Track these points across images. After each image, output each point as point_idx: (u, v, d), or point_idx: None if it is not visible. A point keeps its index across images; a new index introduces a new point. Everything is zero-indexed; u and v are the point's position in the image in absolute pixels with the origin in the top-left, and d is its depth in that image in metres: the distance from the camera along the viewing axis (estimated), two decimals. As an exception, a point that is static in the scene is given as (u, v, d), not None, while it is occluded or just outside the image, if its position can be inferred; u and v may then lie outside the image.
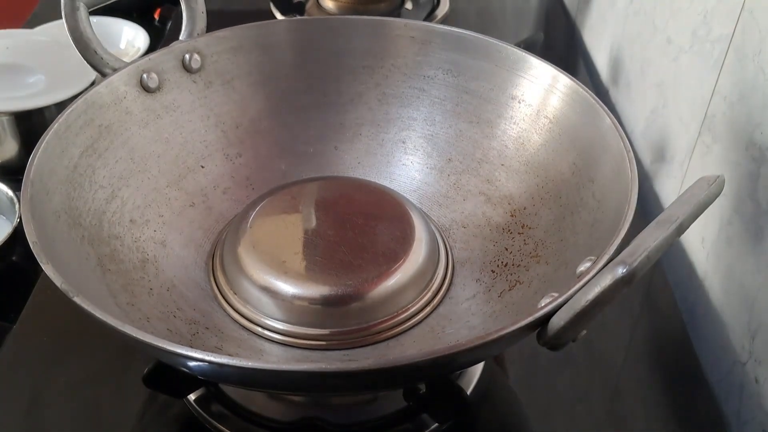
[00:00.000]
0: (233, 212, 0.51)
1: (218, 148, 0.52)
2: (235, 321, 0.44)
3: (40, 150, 0.42)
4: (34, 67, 0.69)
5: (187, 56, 0.50)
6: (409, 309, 0.44)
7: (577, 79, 0.47)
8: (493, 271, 0.47)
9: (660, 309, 0.54)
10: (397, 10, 0.90)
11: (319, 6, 0.90)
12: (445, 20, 0.89)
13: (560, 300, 0.32)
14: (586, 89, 0.46)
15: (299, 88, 0.55)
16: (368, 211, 0.47)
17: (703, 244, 0.53)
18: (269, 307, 0.44)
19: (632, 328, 0.53)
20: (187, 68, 0.50)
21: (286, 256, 0.44)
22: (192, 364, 0.32)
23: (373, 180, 0.53)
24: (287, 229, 0.47)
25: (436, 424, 0.44)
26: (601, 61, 0.80)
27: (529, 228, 0.48)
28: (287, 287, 0.42)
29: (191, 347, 0.31)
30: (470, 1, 0.95)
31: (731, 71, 0.50)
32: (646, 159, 0.65)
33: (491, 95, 0.51)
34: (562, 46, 0.88)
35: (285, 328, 0.43)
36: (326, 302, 0.43)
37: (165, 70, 0.50)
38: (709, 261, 0.53)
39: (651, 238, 0.31)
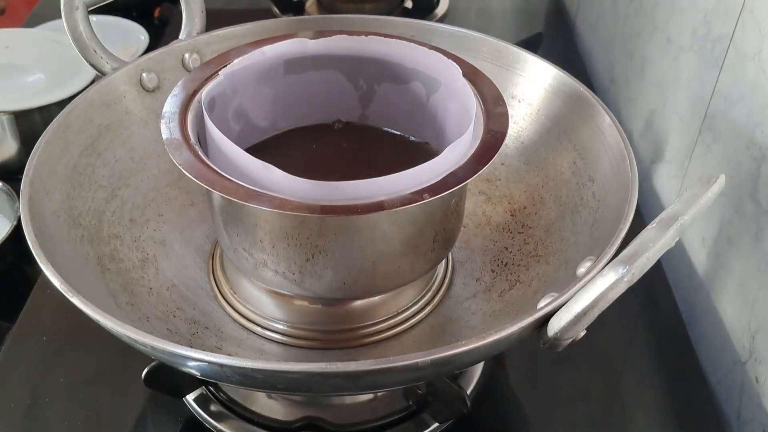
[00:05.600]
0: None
1: (218, 148, 0.52)
2: (235, 321, 0.44)
3: (39, 149, 0.42)
4: (33, 67, 0.69)
5: (186, 55, 0.50)
6: (409, 309, 0.44)
7: (577, 78, 0.47)
8: (493, 271, 0.47)
9: (660, 309, 0.54)
10: (397, 9, 0.90)
11: (319, 5, 0.90)
12: (444, 19, 0.89)
13: (560, 300, 0.32)
14: (586, 88, 0.46)
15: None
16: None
17: (703, 243, 0.53)
18: (269, 307, 0.44)
19: (632, 328, 0.53)
20: (186, 67, 0.50)
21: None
22: (192, 364, 0.32)
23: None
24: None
25: (436, 424, 0.44)
26: (601, 60, 0.80)
27: (529, 227, 0.48)
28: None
29: (191, 347, 0.31)
30: (470, 0, 0.95)
31: (731, 71, 0.50)
32: (646, 159, 0.65)
33: (491, 94, 0.51)
34: (562, 45, 0.88)
35: (285, 328, 0.43)
36: (326, 302, 0.43)
37: (164, 70, 0.50)
38: (710, 261, 0.53)
39: (651, 238, 0.31)
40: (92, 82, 0.66)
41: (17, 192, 0.42)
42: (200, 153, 0.37)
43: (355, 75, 0.46)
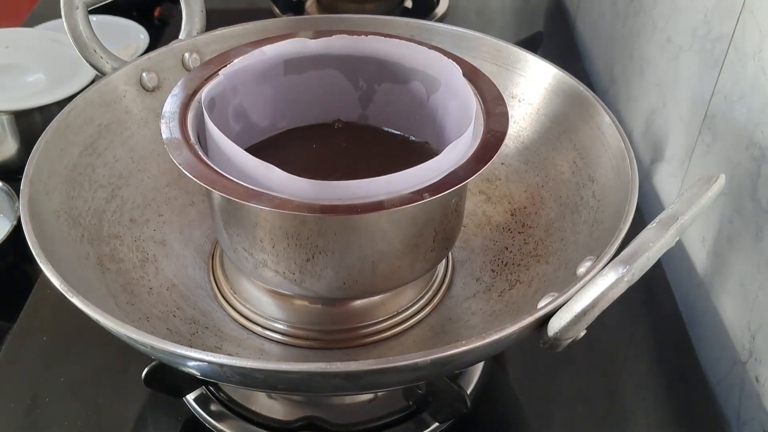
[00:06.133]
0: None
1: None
2: (235, 321, 0.44)
3: (39, 149, 0.42)
4: (33, 67, 0.69)
5: (186, 55, 0.50)
6: (409, 309, 0.44)
7: (577, 78, 0.47)
8: (493, 271, 0.47)
9: (660, 309, 0.54)
10: (396, 9, 0.90)
11: (319, 5, 0.90)
12: (444, 19, 0.89)
13: (560, 300, 0.32)
14: (586, 88, 0.46)
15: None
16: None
17: (703, 243, 0.53)
18: (269, 307, 0.44)
19: (632, 328, 0.53)
20: (186, 67, 0.50)
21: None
22: (192, 364, 0.32)
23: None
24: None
25: (436, 424, 0.44)
26: (601, 60, 0.80)
27: (529, 227, 0.48)
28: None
29: (191, 347, 0.31)
30: (470, 0, 0.95)
31: (731, 70, 0.50)
32: (646, 158, 0.65)
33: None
34: (562, 45, 0.88)
35: (285, 327, 0.43)
36: (326, 302, 0.43)
37: (164, 69, 0.50)
38: (710, 260, 0.53)
39: (651, 238, 0.31)
40: (92, 81, 0.66)
41: (17, 192, 0.42)
42: (200, 153, 0.37)
43: (355, 75, 0.46)
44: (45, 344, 0.49)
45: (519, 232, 0.48)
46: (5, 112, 0.63)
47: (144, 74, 0.49)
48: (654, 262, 0.31)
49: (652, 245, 0.31)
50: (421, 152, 0.46)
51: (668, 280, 0.56)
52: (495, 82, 0.42)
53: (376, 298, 0.43)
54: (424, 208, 0.38)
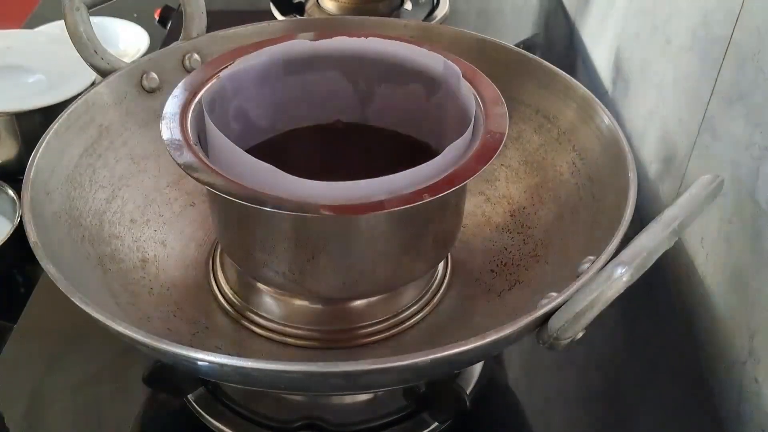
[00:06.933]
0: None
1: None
2: (236, 321, 0.44)
3: (40, 150, 0.42)
4: (34, 67, 0.69)
5: (187, 56, 0.51)
6: (409, 309, 0.44)
7: (577, 79, 0.47)
8: (492, 271, 0.47)
9: (660, 309, 0.55)
10: (396, 11, 0.90)
11: (319, 6, 0.90)
12: (444, 21, 0.89)
13: (559, 300, 0.33)
14: (586, 89, 0.46)
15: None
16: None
17: (702, 243, 0.53)
18: (269, 307, 0.44)
19: (632, 328, 0.53)
20: (186, 68, 0.50)
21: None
22: (192, 364, 0.32)
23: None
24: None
25: (436, 424, 0.44)
26: (600, 61, 0.80)
27: (529, 228, 0.48)
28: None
29: (191, 347, 0.31)
30: (470, 2, 0.95)
31: (731, 71, 0.50)
32: (646, 159, 0.65)
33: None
34: (562, 46, 0.88)
35: (285, 327, 0.43)
36: (326, 302, 0.43)
37: (165, 71, 0.50)
38: (709, 261, 0.53)
39: (650, 238, 0.31)
40: (93, 83, 0.66)
41: (18, 193, 0.42)
42: (201, 153, 0.37)
43: (355, 76, 0.46)
44: (45, 344, 0.50)
45: (518, 233, 0.48)
46: (6, 113, 0.63)
47: (144, 75, 0.49)
48: (653, 262, 0.31)
49: (651, 245, 0.31)
50: (421, 153, 0.46)
51: (668, 281, 0.56)
52: (494, 84, 0.42)
53: (376, 298, 0.43)
54: (423, 208, 0.38)
